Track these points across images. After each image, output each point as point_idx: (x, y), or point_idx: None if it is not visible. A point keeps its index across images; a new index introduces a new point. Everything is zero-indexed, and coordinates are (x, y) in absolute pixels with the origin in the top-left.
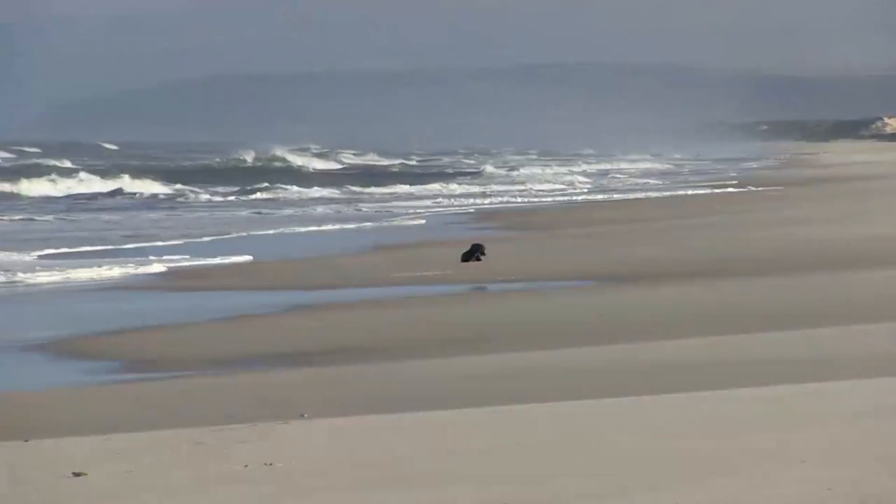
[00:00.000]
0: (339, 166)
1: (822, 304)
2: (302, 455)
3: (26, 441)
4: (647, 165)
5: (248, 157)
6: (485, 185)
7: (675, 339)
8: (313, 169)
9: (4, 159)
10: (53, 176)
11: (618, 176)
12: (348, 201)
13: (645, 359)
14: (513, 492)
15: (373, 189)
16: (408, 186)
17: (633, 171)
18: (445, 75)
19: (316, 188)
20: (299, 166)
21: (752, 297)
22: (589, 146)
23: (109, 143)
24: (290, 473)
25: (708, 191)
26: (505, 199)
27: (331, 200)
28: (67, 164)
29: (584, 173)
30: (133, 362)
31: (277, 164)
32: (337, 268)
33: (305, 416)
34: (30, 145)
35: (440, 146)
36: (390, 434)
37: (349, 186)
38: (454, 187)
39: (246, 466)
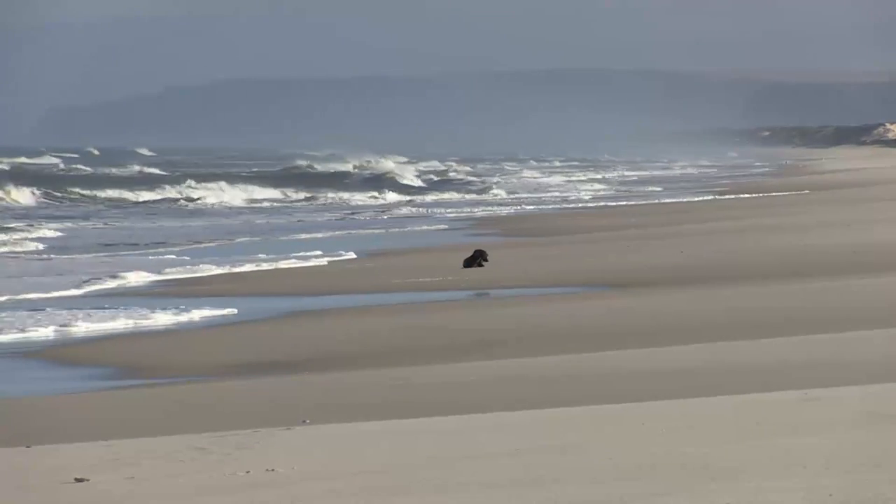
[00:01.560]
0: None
1: (823, 311)
2: (304, 461)
3: (28, 447)
4: (658, 173)
5: (350, 165)
6: (520, 192)
7: (676, 346)
8: (424, 183)
9: (77, 167)
10: (189, 184)
11: (625, 182)
12: (409, 205)
13: (645, 365)
14: (513, 498)
15: (424, 196)
16: (471, 194)
17: (636, 177)
18: (454, 80)
19: (392, 194)
20: (387, 172)
21: (752, 303)
22: (603, 152)
23: (143, 148)
24: (292, 479)
25: (709, 197)
26: (538, 206)
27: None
28: (158, 171)
29: (603, 180)
30: (135, 368)
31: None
32: (342, 273)
33: (308, 421)
34: (60, 152)
35: (463, 151)
36: (393, 440)
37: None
38: (508, 194)
39: (248, 472)
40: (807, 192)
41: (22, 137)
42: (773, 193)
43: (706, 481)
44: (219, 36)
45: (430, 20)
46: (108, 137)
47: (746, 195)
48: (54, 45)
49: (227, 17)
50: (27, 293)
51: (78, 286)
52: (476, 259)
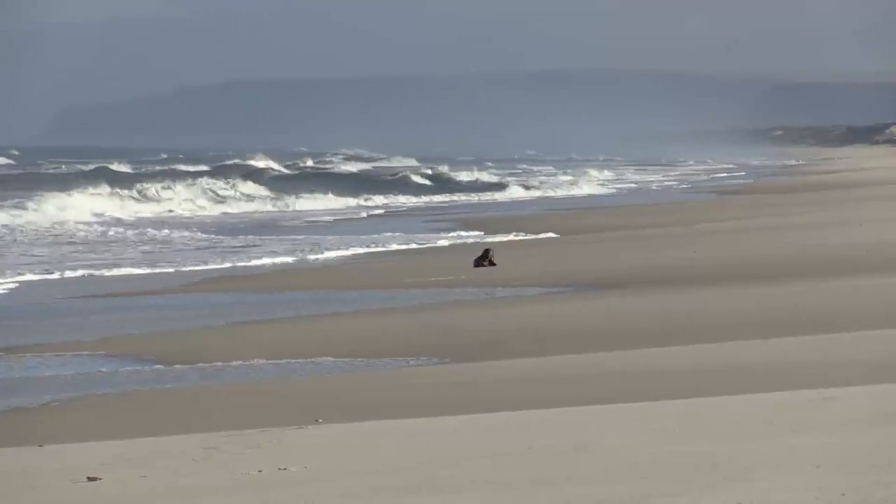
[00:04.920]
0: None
1: (835, 310)
2: (316, 460)
3: (41, 446)
4: (673, 173)
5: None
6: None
7: (687, 345)
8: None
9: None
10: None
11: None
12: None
13: (656, 364)
14: (525, 497)
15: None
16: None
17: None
18: (458, 80)
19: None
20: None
21: (763, 302)
22: (611, 153)
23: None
24: (305, 479)
25: (719, 196)
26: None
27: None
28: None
29: (619, 181)
30: (147, 366)
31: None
32: (349, 272)
33: (320, 420)
34: (138, 153)
35: (476, 152)
36: (404, 440)
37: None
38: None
39: (260, 471)
40: (819, 191)
41: (36, 137)
42: (785, 193)
43: (718, 481)
44: (232, 35)
45: (441, 20)
46: (122, 137)
47: (757, 194)
48: (66, 45)
49: (239, 15)
50: None
51: None
52: (485, 258)
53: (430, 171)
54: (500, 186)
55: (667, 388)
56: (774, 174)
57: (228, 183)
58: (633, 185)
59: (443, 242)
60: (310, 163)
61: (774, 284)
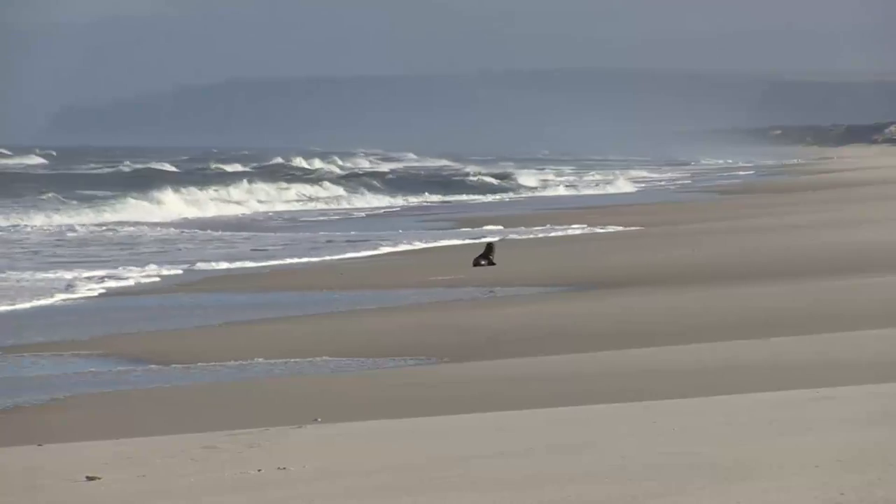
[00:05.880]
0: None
1: (835, 309)
2: (316, 460)
3: (40, 445)
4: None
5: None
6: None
7: (687, 345)
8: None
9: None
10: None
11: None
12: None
13: (656, 364)
14: (527, 497)
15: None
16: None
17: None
18: (460, 80)
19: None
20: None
21: (763, 302)
22: (621, 153)
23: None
24: (304, 478)
25: (720, 196)
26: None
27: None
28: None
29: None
30: (147, 365)
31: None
32: (350, 271)
33: (319, 420)
34: (176, 154)
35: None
36: (405, 439)
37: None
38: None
39: (259, 471)
40: (818, 190)
41: (36, 137)
42: (785, 192)
43: (718, 480)
44: (232, 34)
45: (440, 19)
46: (123, 136)
47: (757, 194)
48: (66, 44)
49: (240, 14)
50: None
51: None
52: (485, 257)
53: (493, 172)
54: (563, 185)
55: (666, 388)
56: (774, 174)
57: (295, 185)
58: (680, 182)
59: (557, 234)
60: (363, 164)
61: (774, 284)
